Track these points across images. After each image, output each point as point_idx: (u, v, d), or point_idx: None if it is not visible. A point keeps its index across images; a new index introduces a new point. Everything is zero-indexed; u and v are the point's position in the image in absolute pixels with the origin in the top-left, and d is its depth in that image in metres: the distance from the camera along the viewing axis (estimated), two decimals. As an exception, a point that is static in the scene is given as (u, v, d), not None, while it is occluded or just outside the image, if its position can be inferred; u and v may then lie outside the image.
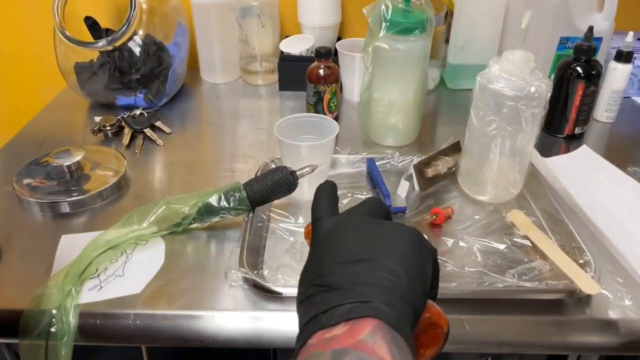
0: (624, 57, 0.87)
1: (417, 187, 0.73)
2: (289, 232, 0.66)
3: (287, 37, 1.08)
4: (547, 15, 0.91)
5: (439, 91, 1.07)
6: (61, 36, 0.87)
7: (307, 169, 0.66)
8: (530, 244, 0.64)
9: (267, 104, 1.02)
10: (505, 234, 0.66)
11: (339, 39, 1.09)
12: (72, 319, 0.54)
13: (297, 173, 0.65)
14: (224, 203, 0.65)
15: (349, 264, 0.35)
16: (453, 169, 0.76)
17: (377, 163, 0.78)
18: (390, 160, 0.79)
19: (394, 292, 0.32)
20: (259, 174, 0.75)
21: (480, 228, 0.67)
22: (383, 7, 0.74)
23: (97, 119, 0.91)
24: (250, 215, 0.66)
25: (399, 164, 0.79)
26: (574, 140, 0.88)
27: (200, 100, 1.03)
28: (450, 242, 0.64)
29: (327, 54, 0.85)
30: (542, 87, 0.63)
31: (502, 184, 0.71)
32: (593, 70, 0.82)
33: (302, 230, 0.66)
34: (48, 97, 1.02)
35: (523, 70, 0.63)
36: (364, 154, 0.80)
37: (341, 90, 0.98)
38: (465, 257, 0.62)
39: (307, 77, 0.87)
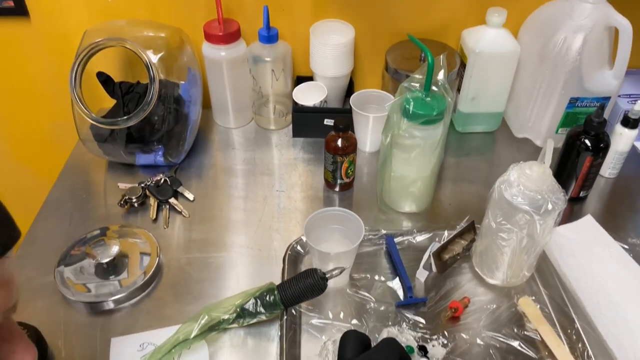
0: (630, 123, 0.90)
1: (434, 270, 0.79)
2: (318, 329, 0.72)
3: (299, 81, 1.08)
4: (559, 77, 0.93)
5: (449, 134, 1.09)
6: (81, 113, 0.88)
7: (336, 271, 0.70)
8: (539, 338, 0.71)
9: (282, 155, 1.04)
10: (517, 326, 0.73)
11: (350, 81, 1.10)
12: None
13: (327, 276, 0.70)
14: (260, 308, 0.70)
15: None
16: (467, 250, 0.81)
17: (395, 240, 0.83)
18: (408, 237, 0.84)
19: None
20: (286, 260, 0.79)
21: (494, 320, 0.73)
22: (405, 101, 0.76)
23: (121, 186, 0.94)
24: (285, 317, 0.71)
25: (416, 241, 0.84)
26: (578, 202, 0.93)
27: (216, 152, 1.05)
28: (468, 339, 0.71)
29: (346, 128, 0.87)
30: (558, 203, 0.67)
31: (516, 271, 0.76)
32: (601, 144, 0.85)
33: (329, 323, 0.72)
34: (64, 151, 1.04)
35: (540, 186, 0.67)
36: (383, 232, 0.84)
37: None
38: (483, 356, 0.69)
39: (326, 147, 0.90)
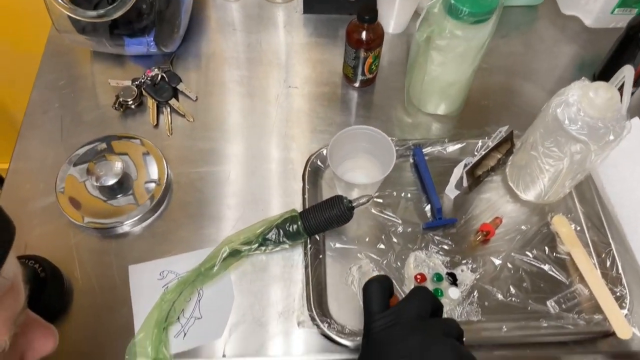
0: None
1: (465, 185, 0.73)
2: (342, 255, 0.69)
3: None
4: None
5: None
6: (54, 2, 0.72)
7: (363, 199, 0.65)
8: (571, 259, 0.69)
9: (292, 39, 0.90)
10: (550, 247, 0.70)
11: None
12: (170, 372, 0.61)
13: (353, 205, 0.65)
14: (282, 238, 0.66)
15: None
16: (502, 164, 0.75)
17: (423, 150, 0.76)
18: (438, 147, 0.77)
19: None
20: (306, 178, 0.73)
21: (526, 241, 0.70)
22: (451, -4, 0.62)
23: (112, 82, 0.82)
24: (309, 246, 0.67)
25: (447, 152, 0.77)
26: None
27: (215, 36, 0.91)
28: (498, 263, 0.69)
29: (373, 18, 0.73)
30: (621, 133, 0.59)
31: (555, 190, 0.71)
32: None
33: (352, 248, 0.69)
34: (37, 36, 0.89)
35: (604, 114, 0.58)
36: (411, 143, 0.76)
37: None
38: (513, 281, 0.67)
39: (347, 39, 0.77)
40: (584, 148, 0.60)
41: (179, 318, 0.64)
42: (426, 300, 0.49)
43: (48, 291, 0.63)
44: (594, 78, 0.86)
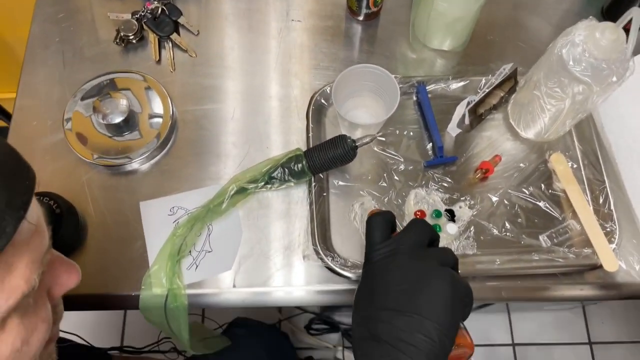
0: None
1: (467, 123, 0.74)
2: (345, 192, 0.71)
3: None
4: None
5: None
6: None
7: (367, 139, 0.67)
8: (566, 196, 0.71)
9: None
10: (546, 184, 0.72)
11: None
12: (184, 300, 0.66)
13: (357, 144, 0.67)
14: (287, 176, 0.68)
15: (393, 313, 0.46)
16: (504, 102, 0.75)
17: (427, 88, 0.76)
18: (442, 84, 0.77)
19: (427, 356, 0.43)
20: (310, 117, 0.74)
21: (523, 179, 0.72)
22: None
23: (112, 16, 0.81)
24: (314, 184, 0.70)
25: (450, 89, 0.77)
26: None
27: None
28: (495, 200, 0.71)
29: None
30: (624, 74, 0.59)
31: (554, 129, 0.72)
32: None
33: (354, 185, 0.72)
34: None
35: (609, 55, 0.58)
36: (415, 81, 0.76)
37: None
38: (508, 217, 0.70)
39: (352, -29, 0.74)
40: (586, 89, 0.60)
41: (190, 251, 0.68)
42: (423, 231, 0.51)
43: (64, 227, 0.65)
44: (602, 12, 0.84)
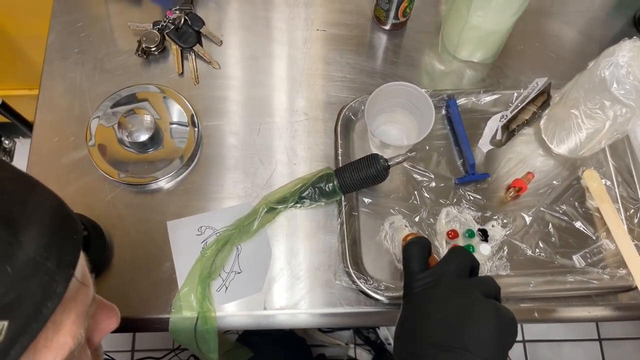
0: None
1: (499, 138, 0.73)
2: (376, 210, 0.70)
3: None
4: None
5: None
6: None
7: (399, 158, 0.65)
8: (599, 214, 0.70)
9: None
10: (579, 202, 0.71)
11: None
12: (215, 323, 0.65)
13: (390, 164, 0.65)
14: (318, 196, 0.67)
15: (437, 349, 0.45)
16: (537, 118, 0.74)
17: (458, 102, 0.74)
18: (472, 98, 0.75)
19: None
20: (339, 132, 0.72)
21: (556, 197, 0.71)
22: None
23: (132, 25, 0.78)
24: (344, 204, 0.68)
25: (481, 103, 0.75)
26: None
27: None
28: (528, 218, 0.70)
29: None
30: (670, 97, 0.57)
31: (590, 147, 0.70)
32: None
33: (384, 203, 0.70)
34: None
35: (657, 78, 0.56)
36: (445, 95, 0.74)
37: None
38: (541, 236, 0.69)
39: (381, -19, 0.72)
40: (628, 112, 0.59)
41: (220, 274, 0.67)
42: (465, 260, 0.51)
43: (91, 249, 0.64)
44: (635, 21, 0.82)
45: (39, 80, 0.74)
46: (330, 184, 0.66)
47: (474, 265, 0.52)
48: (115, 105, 0.72)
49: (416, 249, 0.52)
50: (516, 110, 0.71)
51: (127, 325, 0.66)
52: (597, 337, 1.66)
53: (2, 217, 0.29)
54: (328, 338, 1.50)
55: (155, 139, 0.71)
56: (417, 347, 0.46)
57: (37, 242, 0.30)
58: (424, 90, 0.66)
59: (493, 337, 0.44)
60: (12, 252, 0.28)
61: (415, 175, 0.72)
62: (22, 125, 1.33)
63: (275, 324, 0.66)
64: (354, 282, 0.65)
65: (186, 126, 0.72)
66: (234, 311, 0.65)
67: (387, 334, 1.48)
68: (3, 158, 1.60)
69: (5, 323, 0.28)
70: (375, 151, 0.69)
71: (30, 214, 0.31)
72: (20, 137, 1.63)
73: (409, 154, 0.65)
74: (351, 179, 0.65)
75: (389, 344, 1.47)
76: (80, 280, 0.35)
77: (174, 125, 0.73)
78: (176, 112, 0.73)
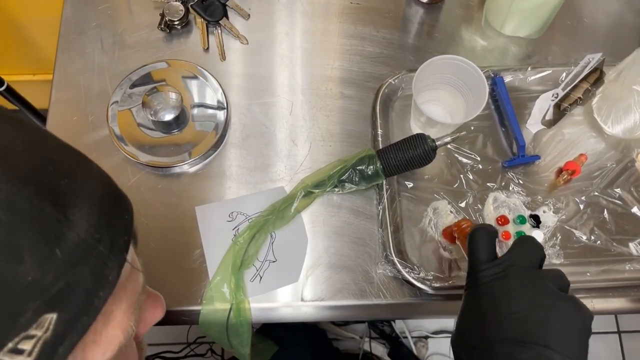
0: None
1: (549, 118, 0.68)
2: (418, 194, 0.65)
3: None
4: None
5: None
6: None
7: (448, 138, 0.60)
8: (656, 199, 0.66)
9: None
10: (635, 186, 0.66)
11: None
12: (249, 315, 0.60)
13: (437, 144, 0.60)
14: (358, 179, 0.62)
15: (513, 345, 0.40)
16: (590, 96, 0.69)
17: (505, 79, 0.69)
18: (519, 75, 0.70)
19: None
20: (377, 110, 0.67)
21: (610, 179, 0.67)
22: None
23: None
24: (386, 187, 0.63)
25: (528, 81, 0.70)
26: None
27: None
28: (581, 203, 0.65)
29: None
30: None
31: (645, 125, 0.66)
32: None
33: (427, 187, 0.66)
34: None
35: None
36: (491, 72, 0.69)
37: None
38: (596, 222, 0.65)
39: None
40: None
41: (254, 262, 0.62)
42: (536, 251, 0.46)
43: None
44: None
45: (43, 65, 0.69)
46: (372, 166, 0.61)
47: (543, 257, 0.47)
48: (136, 84, 0.67)
49: (483, 236, 0.47)
50: (568, 88, 0.66)
51: (155, 318, 0.61)
52: (616, 330, 1.63)
53: (50, 191, 0.24)
54: (342, 331, 1.45)
55: (181, 119, 0.66)
56: (486, 343, 0.42)
57: (89, 221, 0.25)
58: (480, 70, 0.61)
59: (576, 334, 0.40)
60: (62, 232, 0.24)
61: (460, 158, 0.67)
62: (27, 111, 1.28)
63: (313, 317, 0.61)
64: (399, 271, 0.60)
65: (214, 106, 0.67)
66: (268, 302, 0.61)
67: (402, 326, 1.44)
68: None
69: (54, 316, 0.23)
70: (418, 131, 0.64)
71: (79, 189, 0.26)
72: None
73: (458, 133, 0.60)
74: (395, 160, 0.60)
75: (405, 337, 1.43)
76: (133, 266, 0.31)
77: (200, 105, 0.68)
78: (202, 91, 0.68)
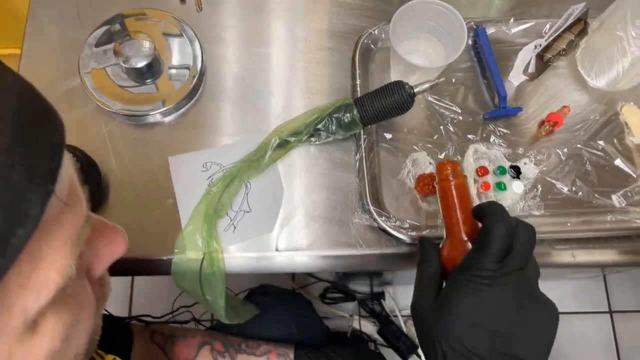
0: None
1: (532, 70, 0.67)
2: (397, 145, 0.64)
3: None
4: None
5: None
6: None
7: (426, 85, 0.59)
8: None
9: None
10: (618, 139, 0.65)
11: None
12: (222, 265, 0.59)
13: (415, 91, 0.59)
14: (335, 127, 0.60)
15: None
16: (573, 47, 0.67)
17: (487, 31, 0.68)
18: (502, 27, 0.69)
19: None
20: (357, 60, 0.66)
21: (593, 131, 0.65)
22: None
23: (128, -51, 0.71)
24: (364, 137, 0.62)
25: (511, 32, 0.69)
26: None
27: None
28: (563, 155, 0.64)
29: None
30: None
31: (631, 75, 0.64)
32: None
33: (406, 138, 0.64)
34: None
35: None
36: (473, 23, 0.68)
37: None
38: (578, 174, 0.63)
39: None
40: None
41: (227, 212, 0.61)
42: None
43: (85, 183, 0.58)
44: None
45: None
46: (349, 114, 0.59)
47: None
48: (109, 35, 0.66)
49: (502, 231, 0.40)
50: (551, 39, 0.65)
51: (128, 268, 0.60)
52: (608, 310, 1.62)
53: None
54: (331, 310, 1.45)
55: (155, 68, 0.64)
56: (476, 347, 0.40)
57: None
58: (459, 14, 0.59)
59: (549, 345, 0.42)
60: None
61: (441, 110, 0.66)
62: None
63: (288, 267, 0.60)
64: (375, 220, 0.59)
65: (189, 56, 0.66)
66: (242, 252, 0.60)
67: (392, 304, 1.43)
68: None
69: None
70: (398, 79, 0.63)
71: None
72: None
73: (437, 80, 0.59)
74: (372, 107, 0.59)
75: (395, 315, 1.42)
76: (64, 201, 0.27)
77: (176, 54, 0.66)
78: (177, 41, 0.67)
